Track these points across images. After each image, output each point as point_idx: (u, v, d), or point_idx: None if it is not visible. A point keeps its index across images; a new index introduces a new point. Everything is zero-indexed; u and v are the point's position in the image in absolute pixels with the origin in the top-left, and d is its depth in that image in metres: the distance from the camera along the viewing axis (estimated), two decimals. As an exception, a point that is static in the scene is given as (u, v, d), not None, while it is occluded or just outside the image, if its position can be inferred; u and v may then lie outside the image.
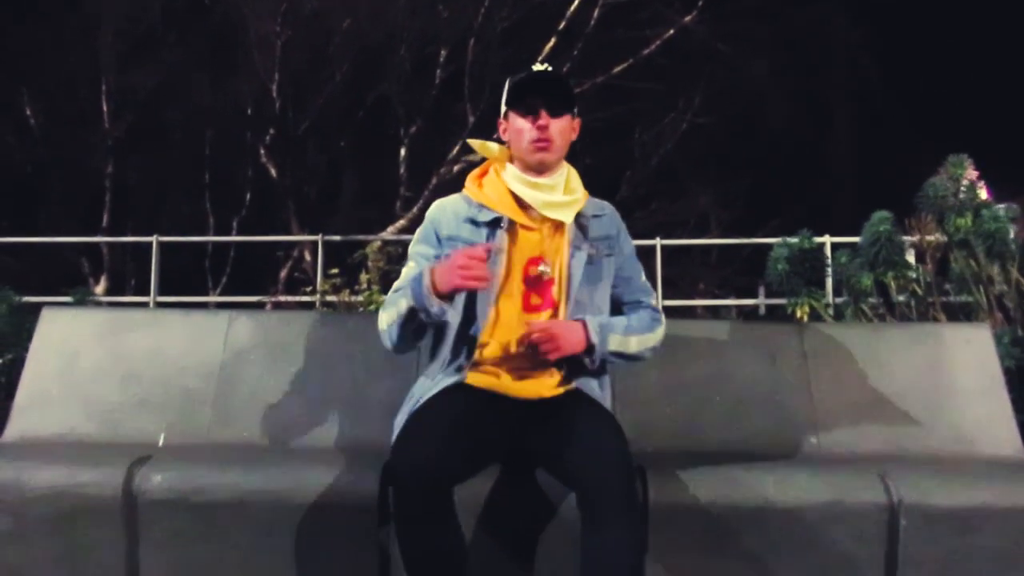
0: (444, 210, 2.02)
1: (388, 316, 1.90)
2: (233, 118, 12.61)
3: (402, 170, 12.78)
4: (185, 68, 12.31)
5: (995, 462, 2.23)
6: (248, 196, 12.99)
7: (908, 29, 12.51)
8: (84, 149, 12.26)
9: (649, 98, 12.51)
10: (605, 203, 2.10)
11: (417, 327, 1.87)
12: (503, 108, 2.01)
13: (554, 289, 1.95)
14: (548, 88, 1.96)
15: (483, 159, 2.09)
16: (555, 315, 1.94)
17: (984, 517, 1.87)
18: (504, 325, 1.92)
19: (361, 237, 7.82)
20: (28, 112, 12.32)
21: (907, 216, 4.54)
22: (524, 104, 1.96)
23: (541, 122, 1.93)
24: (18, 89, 12.05)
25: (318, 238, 8.03)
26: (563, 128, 1.98)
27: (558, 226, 1.97)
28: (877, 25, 12.85)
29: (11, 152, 11.96)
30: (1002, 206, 4.29)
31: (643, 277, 2.10)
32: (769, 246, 5.11)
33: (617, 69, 12.87)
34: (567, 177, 2.01)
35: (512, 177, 1.99)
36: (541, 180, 1.97)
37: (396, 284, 1.97)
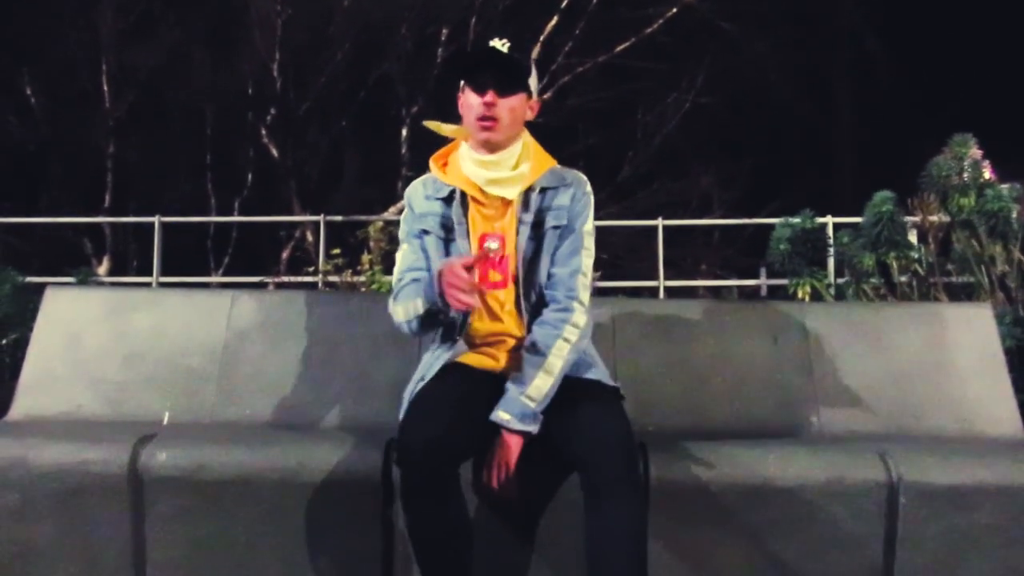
0: (416, 189, 2.05)
1: (404, 311, 1.93)
2: (234, 98, 12.57)
3: (404, 150, 12.75)
4: (185, 47, 12.26)
5: (995, 441, 2.24)
6: (250, 176, 12.98)
7: (912, 7, 12.41)
8: (85, 129, 12.24)
9: (652, 77, 12.45)
10: (573, 173, 2.03)
11: (436, 319, 1.91)
12: (461, 81, 1.99)
13: (511, 265, 1.94)
14: (499, 65, 1.92)
15: None
16: (516, 290, 1.93)
17: (983, 495, 1.88)
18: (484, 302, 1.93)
19: (363, 217, 7.82)
20: (28, 92, 12.28)
21: (910, 196, 4.53)
22: (475, 79, 1.93)
23: (487, 99, 1.90)
24: (19, 69, 12.01)
25: (320, 218, 8.04)
26: (514, 107, 1.93)
27: (508, 202, 1.97)
28: (881, 4, 12.75)
29: (12, 132, 11.94)
30: (1005, 186, 4.29)
31: (582, 255, 1.95)
32: (771, 226, 5.11)
33: (619, 48, 12.80)
34: (521, 152, 1.98)
35: (464, 154, 2.00)
36: (489, 157, 1.96)
37: (399, 269, 2.00)
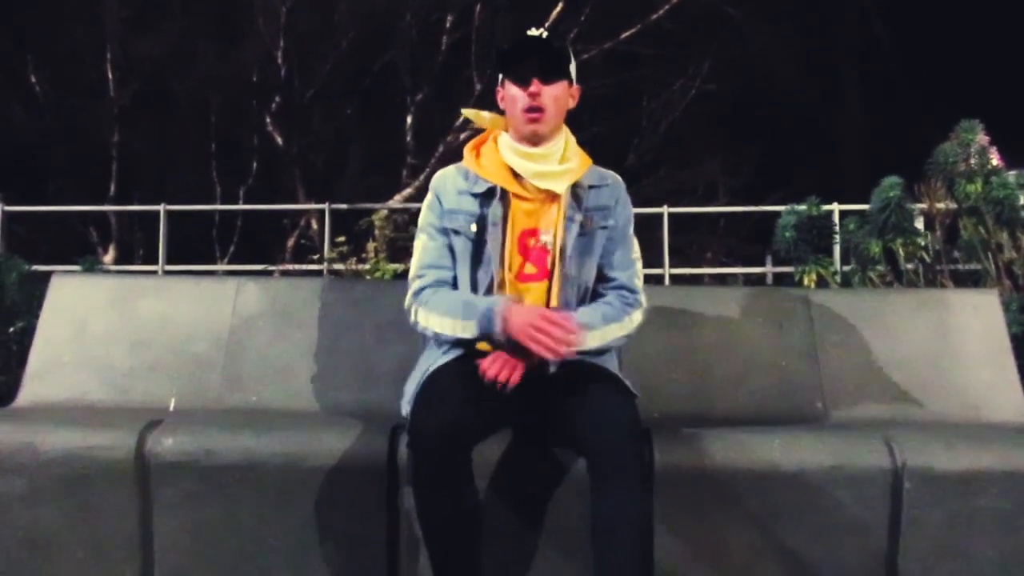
0: (444, 182, 2.00)
1: (437, 324, 1.88)
2: (239, 86, 12.56)
3: (409, 138, 12.74)
4: (190, 35, 12.24)
5: (1000, 427, 2.23)
6: (255, 165, 12.98)
7: (920, -7, 12.31)
8: (90, 118, 12.24)
9: (657, 64, 12.40)
10: (610, 173, 2.05)
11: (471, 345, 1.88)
12: (500, 76, 1.98)
13: (548, 259, 1.93)
14: (540, 54, 1.91)
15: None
16: (549, 285, 1.92)
17: (987, 480, 1.88)
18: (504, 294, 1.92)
19: (368, 205, 7.81)
20: (34, 81, 12.29)
21: (917, 183, 4.51)
22: (516, 72, 1.92)
23: (532, 89, 1.89)
24: (24, 59, 12.01)
25: (325, 206, 8.04)
26: (557, 95, 1.92)
27: (553, 196, 1.93)
28: (889, -11, 12.65)
29: (18, 122, 11.95)
30: (1012, 173, 4.27)
31: (632, 254, 2.01)
32: (777, 214, 5.10)
33: (625, 35, 12.74)
34: (564, 146, 1.97)
35: (506, 146, 1.96)
36: (535, 150, 1.93)
37: (420, 263, 1.96)
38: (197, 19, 12.35)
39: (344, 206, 8.38)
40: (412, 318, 1.93)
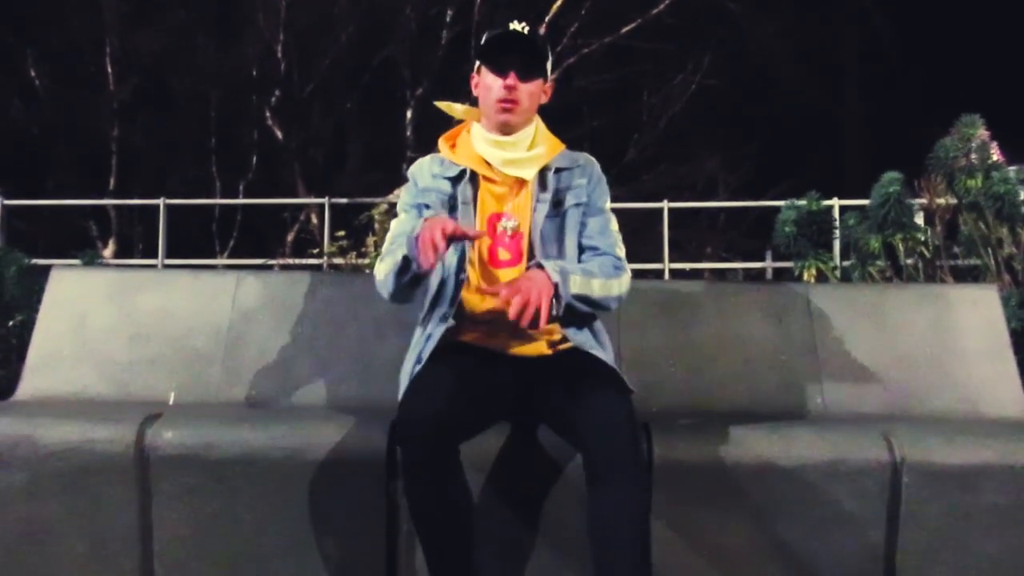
0: (421, 166, 2.06)
1: (385, 267, 1.92)
2: (238, 80, 12.54)
3: (408, 132, 12.72)
4: (189, 30, 12.22)
5: (999, 422, 2.23)
6: (254, 159, 12.97)
7: (922, -12, 12.29)
8: (90, 112, 12.23)
9: (658, 59, 12.37)
10: (582, 155, 2.08)
11: (412, 277, 1.86)
12: (477, 62, 2.00)
13: (523, 244, 1.94)
14: (522, 49, 1.93)
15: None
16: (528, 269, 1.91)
17: (985, 475, 1.89)
18: (480, 279, 1.94)
19: (367, 200, 7.82)
20: (33, 75, 12.27)
21: (917, 178, 4.51)
22: (496, 62, 1.94)
23: (509, 82, 1.92)
24: (23, 52, 11.99)
25: (324, 201, 8.03)
26: (532, 91, 1.96)
27: (522, 182, 1.97)
28: (890, -16, 12.63)
29: (17, 115, 11.93)
30: (1013, 168, 4.27)
31: (612, 227, 2.02)
32: (777, 209, 5.10)
33: (625, 29, 12.71)
34: (534, 133, 2.00)
35: (477, 135, 2.00)
36: (503, 139, 1.97)
37: (391, 235, 2.00)
38: (196, 13, 12.32)
39: (344, 200, 8.37)
40: (376, 278, 1.94)
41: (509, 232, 1.94)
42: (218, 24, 12.31)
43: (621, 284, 1.95)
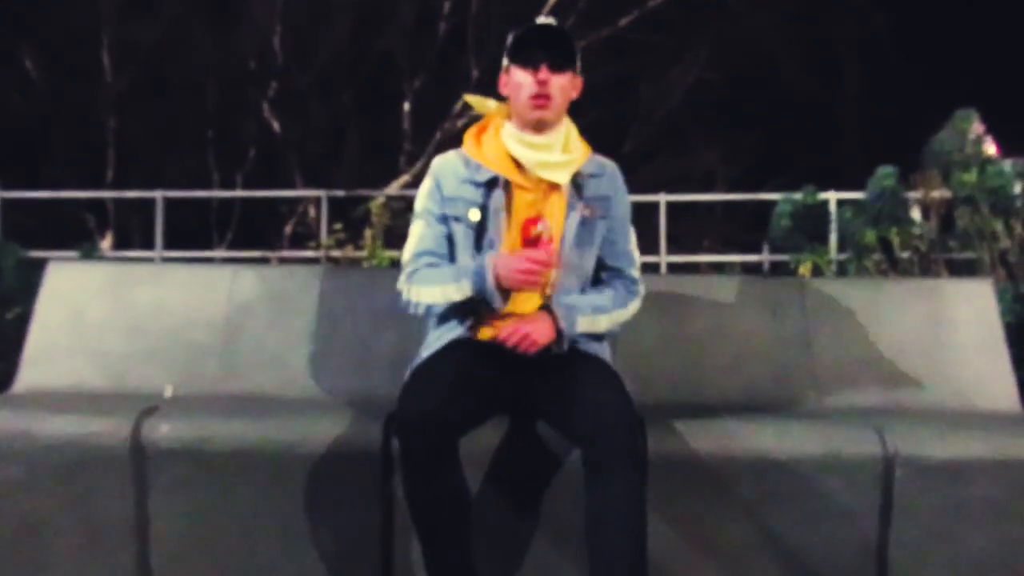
0: (445, 168, 1.99)
1: (428, 294, 1.89)
2: (235, 72, 12.50)
3: (406, 125, 12.69)
4: (186, 21, 12.17)
5: (992, 416, 2.24)
6: (252, 151, 12.93)
7: (920, -19, 12.26)
8: (86, 103, 12.18)
9: (655, 52, 12.34)
10: (608, 162, 2.06)
11: (466, 307, 1.89)
12: (504, 62, 1.98)
13: (552, 248, 1.93)
14: (551, 42, 1.92)
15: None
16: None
17: (978, 469, 1.90)
18: None
19: (365, 192, 7.80)
20: (29, 66, 12.22)
21: (913, 172, 4.52)
22: (525, 57, 1.92)
23: (541, 76, 1.89)
24: (19, 43, 11.93)
25: (322, 193, 8.02)
26: (563, 85, 1.93)
27: (554, 186, 1.94)
28: (888, -23, 12.60)
29: (14, 106, 11.88)
30: (1008, 161, 4.28)
31: (631, 243, 2.05)
32: (774, 202, 5.11)
33: (623, 22, 12.67)
34: (566, 135, 1.98)
35: (509, 135, 1.96)
36: (538, 139, 1.93)
37: (413, 249, 1.96)
38: (193, 4, 12.27)
39: (341, 193, 8.36)
40: (404, 296, 1.94)
41: (544, 237, 1.92)
42: (215, 15, 12.25)
43: (630, 310, 2.01)
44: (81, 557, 1.95)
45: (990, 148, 4.29)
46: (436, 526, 1.74)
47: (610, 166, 2.05)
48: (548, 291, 1.90)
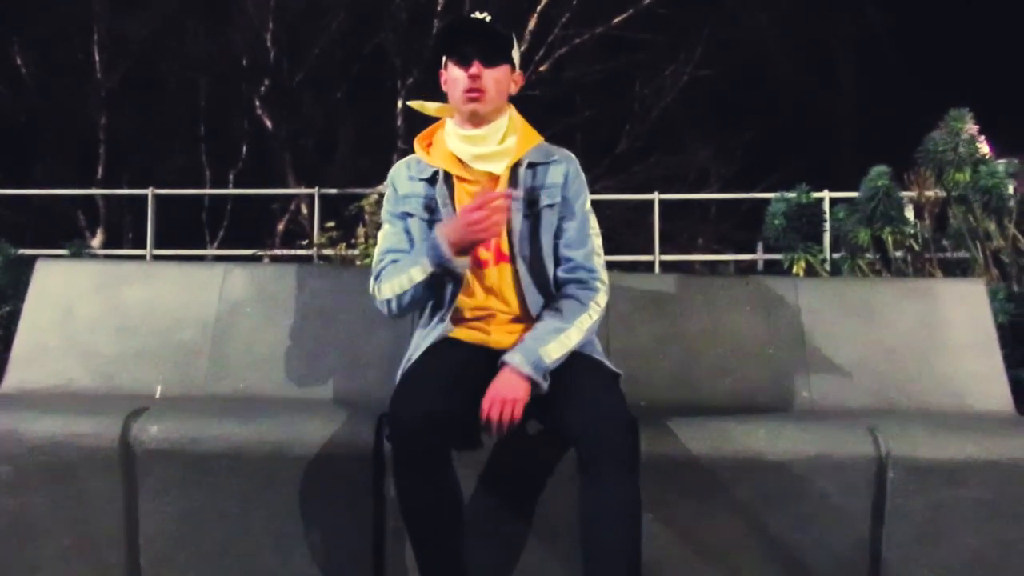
0: (398, 170, 2.04)
1: (391, 287, 1.90)
2: (227, 68, 12.45)
3: (399, 122, 12.67)
4: (177, 16, 12.12)
5: (985, 416, 2.24)
6: (244, 148, 12.90)
7: (914, -20, 12.28)
8: (77, 100, 12.13)
9: (650, 50, 12.35)
10: (559, 149, 2.03)
11: (424, 293, 1.89)
12: (444, 58, 1.98)
13: (502, 243, 1.92)
14: (482, 37, 1.92)
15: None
16: (513, 268, 1.93)
17: (970, 470, 1.90)
18: (467, 279, 1.93)
19: (358, 190, 7.78)
20: (19, 62, 12.15)
21: (907, 171, 4.53)
22: (458, 53, 1.93)
23: (473, 71, 1.90)
24: (9, 39, 11.86)
25: (314, 191, 7.99)
26: (498, 78, 1.93)
27: (496, 178, 1.95)
28: (882, -24, 12.62)
29: (3, 102, 11.82)
30: (1001, 161, 4.29)
31: (588, 231, 1.98)
32: (768, 201, 5.11)
33: (617, 20, 12.67)
34: (506, 125, 1.98)
35: (449, 130, 1.99)
36: (474, 132, 1.95)
37: (379, 250, 1.99)
38: (185, 0, 12.22)
39: (334, 191, 8.34)
40: (377, 298, 1.95)
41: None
42: (207, 11, 12.21)
43: (595, 310, 1.92)
44: (70, 558, 1.93)
45: (984, 148, 4.29)
46: (428, 528, 1.73)
47: (561, 153, 2.02)
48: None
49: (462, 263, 1.84)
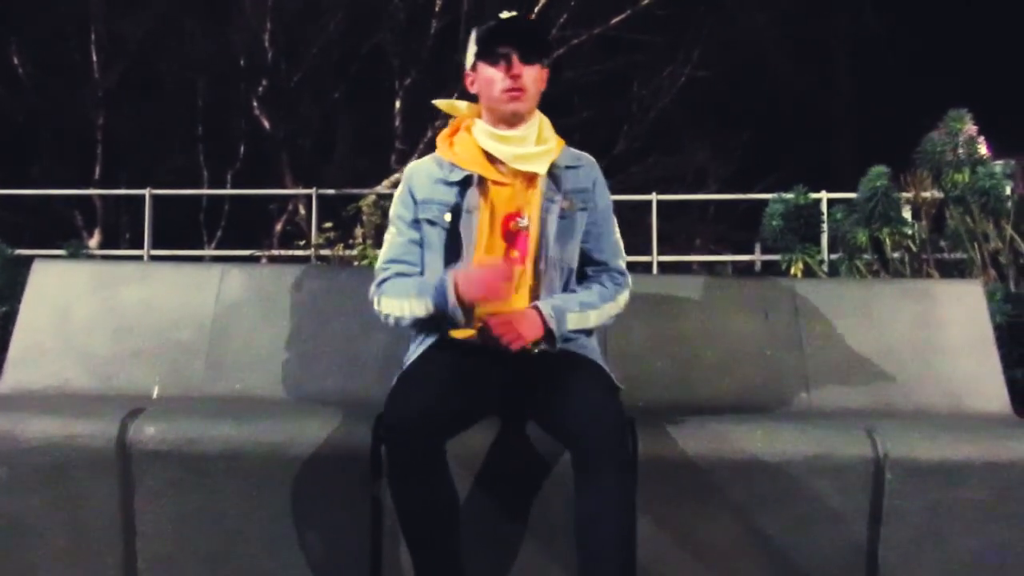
0: (418, 172, 2.00)
1: (391, 306, 1.89)
2: (225, 69, 12.45)
3: (397, 122, 12.66)
4: (175, 16, 12.11)
5: (983, 418, 2.25)
6: (242, 149, 12.89)
7: (912, -19, 12.30)
8: (75, 100, 12.11)
9: (648, 50, 12.35)
10: (583, 154, 2.05)
11: (423, 323, 1.89)
12: (470, 60, 1.97)
13: (528, 242, 1.92)
14: (520, 35, 1.91)
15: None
16: (536, 268, 1.92)
17: (969, 471, 1.89)
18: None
19: (355, 191, 7.78)
20: (16, 62, 12.13)
21: (905, 172, 4.53)
22: (494, 53, 1.91)
23: (514, 71, 1.88)
24: (6, 39, 11.85)
25: (312, 191, 7.99)
26: (535, 77, 1.92)
27: (531, 179, 1.93)
28: (880, -23, 12.64)
29: (1, 103, 11.80)
30: (999, 162, 4.29)
31: (615, 235, 2.03)
32: (766, 202, 5.11)
33: (615, 20, 12.67)
34: (539, 127, 1.97)
35: (481, 132, 1.95)
36: (511, 133, 1.93)
37: (385, 256, 1.97)
38: (182, 0, 12.21)
39: (332, 191, 8.34)
40: (375, 306, 1.94)
41: (523, 230, 1.91)
42: (205, 11, 12.19)
43: (619, 303, 2.00)
44: (67, 559, 1.93)
45: (982, 149, 4.29)
46: (425, 529, 1.73)
47: (586, 158, 2.04)
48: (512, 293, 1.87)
49: (463, 316, 1.82)
